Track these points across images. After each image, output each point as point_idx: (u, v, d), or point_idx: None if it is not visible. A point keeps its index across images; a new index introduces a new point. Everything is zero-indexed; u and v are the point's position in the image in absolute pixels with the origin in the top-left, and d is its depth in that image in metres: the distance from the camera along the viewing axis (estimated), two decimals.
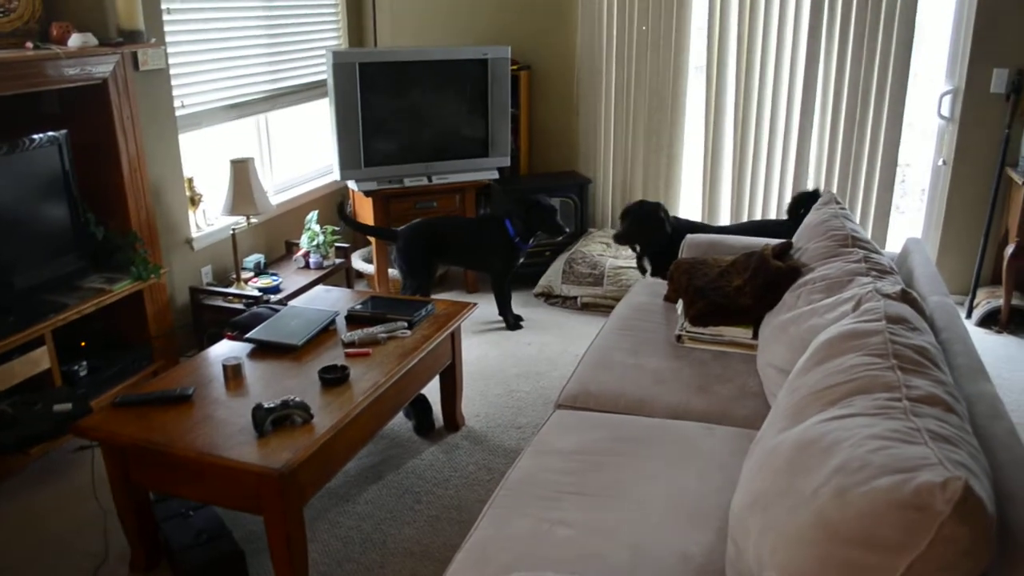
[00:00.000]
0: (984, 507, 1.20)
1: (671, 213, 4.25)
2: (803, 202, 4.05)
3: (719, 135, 5.03)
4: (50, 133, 3.22)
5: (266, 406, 2.33)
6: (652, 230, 4.09)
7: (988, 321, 4.44)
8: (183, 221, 4.09)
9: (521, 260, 4.49)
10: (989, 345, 4.21)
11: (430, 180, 4.83)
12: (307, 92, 5.07)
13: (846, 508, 1.29)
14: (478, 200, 5.06)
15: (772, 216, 5.04)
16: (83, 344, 3.51)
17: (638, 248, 4.27)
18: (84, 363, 3.38)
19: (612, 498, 2.03)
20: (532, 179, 5.33)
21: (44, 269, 3.25)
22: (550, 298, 4.91)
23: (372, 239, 4.79)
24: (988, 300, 4.51)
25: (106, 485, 2.50)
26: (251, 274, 4.35)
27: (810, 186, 4.89)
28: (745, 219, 5.09)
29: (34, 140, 3.14)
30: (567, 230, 4.46)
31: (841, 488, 1.32)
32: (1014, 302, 4.38)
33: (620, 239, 4.21)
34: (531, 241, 4.42)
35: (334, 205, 5.30)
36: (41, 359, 3.10)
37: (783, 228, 3.92)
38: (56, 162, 3.27)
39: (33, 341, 3.06)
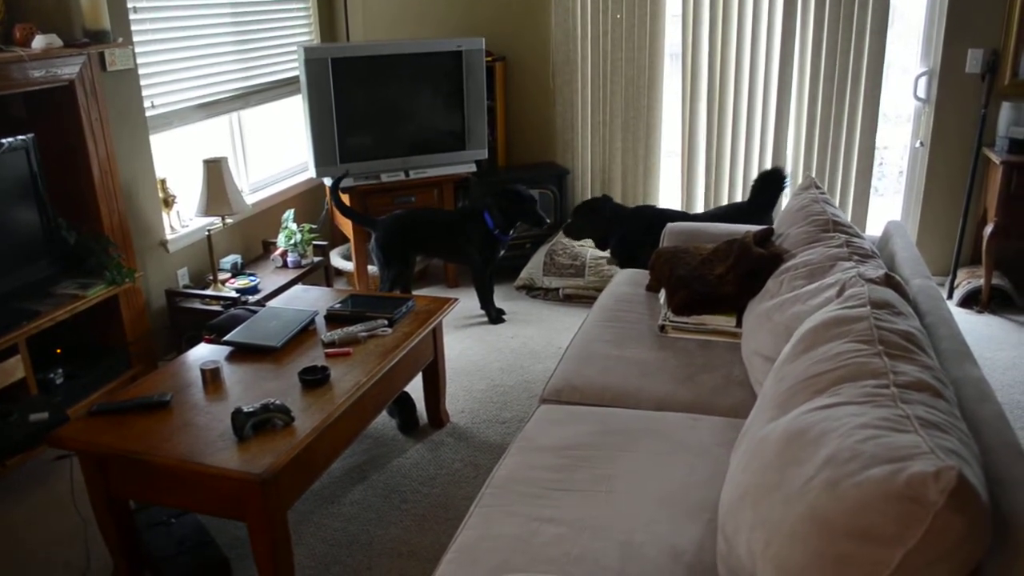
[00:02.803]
0: (978, 495, 1.18)
1: (653, 203, 4.29)
2: (766, 184, 4.23)
3: (696, 122, 5.01)
4: (17, 137, 3.15)
5: (246, 410, 2.29)
6: (593, 220, 4.44)
7: (969, 301, 4.46)
8: (157, 223, 4.02)
9: (502, 252, 4.46)
10: (971, 325, 4.23)
11: (407, 175, 4.78)
12: (280, 89, 5.00)
13: (838, 501, 1.27)
14: (457, 194, 5.02)
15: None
16: (58, 351, 3.45)
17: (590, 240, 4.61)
18: (60, 370, 3.31)
19: (600, 494, 2.01)
20: (510, 171, 5.29)
21: (15, 276, 3.18)
22: (532, 290, 4.88)
23: (351, 235, 4.74)
24: (968, 280, 4.52)
25: (86, 495, 2.45)
26: (228, 275, 4.28)
27: (789, 172, 4.89)
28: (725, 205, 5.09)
29: (1, 145, 3.07)
30: (547, 220, 4.44)
31: (832, 480, 1.30)
32: (994, 282, 4.40)
33: (568, 232, 4.62)
34: (511, 232, 4.40)
35: (314, 199, 5.26)
36: (15, 368, 3.03)
37: (745, 211, 4.12)
38: (24, 166, 3.19)
39: (6, 350, 2.99)
